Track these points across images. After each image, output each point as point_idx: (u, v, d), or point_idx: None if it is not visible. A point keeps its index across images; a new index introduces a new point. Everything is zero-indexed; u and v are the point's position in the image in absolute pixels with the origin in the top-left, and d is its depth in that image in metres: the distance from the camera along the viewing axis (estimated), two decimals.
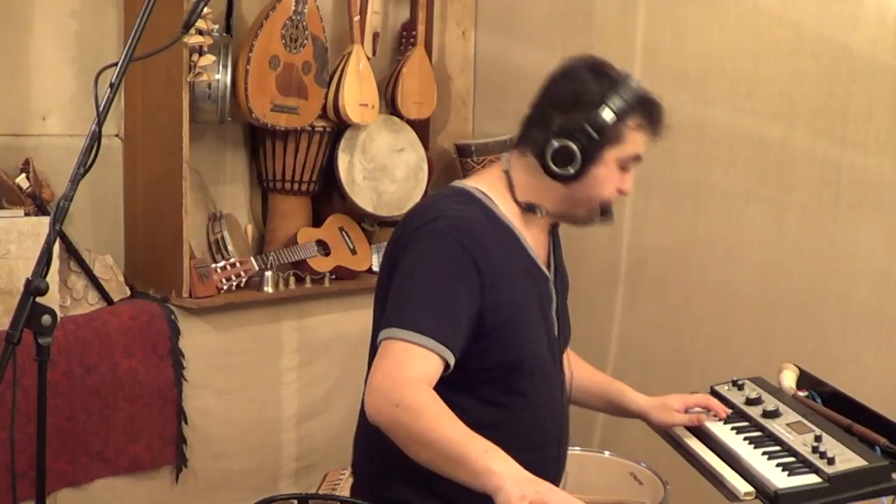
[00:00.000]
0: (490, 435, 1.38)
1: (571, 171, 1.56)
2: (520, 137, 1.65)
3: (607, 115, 1.54)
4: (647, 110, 1.59)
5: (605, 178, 1.60)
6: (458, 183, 1.68)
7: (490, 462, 1.28)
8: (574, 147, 1.55)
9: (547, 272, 1.67)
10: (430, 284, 1.48)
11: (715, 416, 1.79)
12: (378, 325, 1.56)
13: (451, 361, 1.46)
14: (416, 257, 1.51)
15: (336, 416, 3.14)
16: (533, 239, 1.65)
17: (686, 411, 1.81)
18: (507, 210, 1.62)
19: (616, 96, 1.55)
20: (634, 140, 1.60)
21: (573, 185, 1.59)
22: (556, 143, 1.56)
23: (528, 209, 1.63)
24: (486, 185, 1.64)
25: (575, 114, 1.56)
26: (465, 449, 1.31)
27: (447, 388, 1.49)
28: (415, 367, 1.42)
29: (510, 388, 1.59)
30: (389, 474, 1.62)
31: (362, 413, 1.64)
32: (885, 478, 1.50)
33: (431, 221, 1.53)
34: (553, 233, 1.75)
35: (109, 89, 1.60)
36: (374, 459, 1.67)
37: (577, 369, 1.87)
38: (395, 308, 1.49)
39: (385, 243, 3.36)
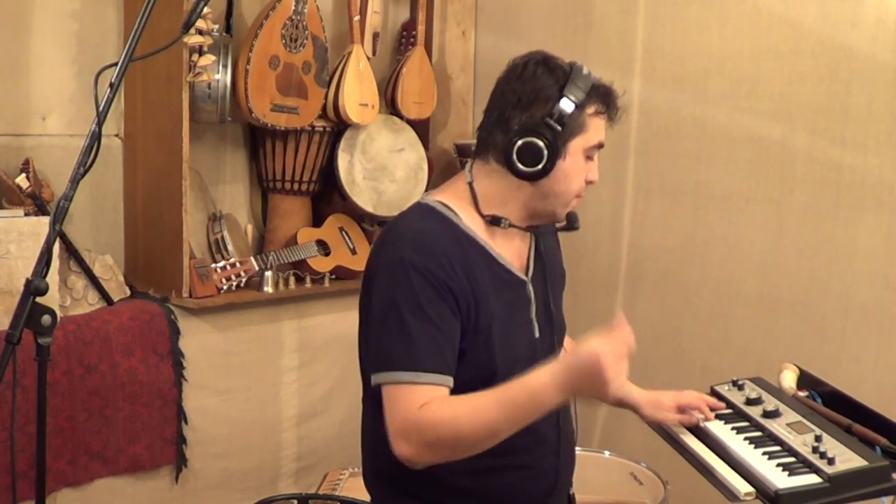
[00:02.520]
0: None
1: (540, 167, 1.55)
2: (479, 145, 1.64)
3: (567, 105, 1.54)
4: (602, 96, 1.59)
5: (573, 169, 1.59)
6: (422, 198, 1.66)
7: (546, 399, 1.38)
8: (540, 143, 1.54)
9: (523, 276, 1.66)
10: (413, 318, 1.47)
11: (704, 418, 1.78)
12: (368, 359, 1.56)
13: (452, 385, 1.49)
14: (392, 291, 1.50)
15: (336, 416, 3.14)
16: (503, 246, 1.64)
17: (678, 409, 1.80)
18: (472, 222, 1.61)
19: (573, 86, 1.55)
20: (596, 127, 1.59)
21: (541, 182, 1.58)
22: (520, 142, 1.55)
23: (492, 222, 1.61)
24: (450, 197, 1.63)
25: (535, 109, 1.55)
26: (517, 414, 1.40)
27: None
28: (420, 401, 1.45)
29: None
30: (392, 484, 1.62)
31: (365, 424, 1.66)
32: (886, 478, 1.49)
33: (397, 250, 1.51)
34: (539, 235, 1.74)
35: (109, 89, 1.61)
36: (375, 470, 1.67)
37: None
38: (390, 348, 1.49)
39: None
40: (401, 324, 1.47)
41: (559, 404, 1.39)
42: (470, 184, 1.63)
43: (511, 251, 1.65)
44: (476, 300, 1.53)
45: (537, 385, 1.38)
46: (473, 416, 1.41)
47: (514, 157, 1.55)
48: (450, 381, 1.48)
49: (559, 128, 1.53)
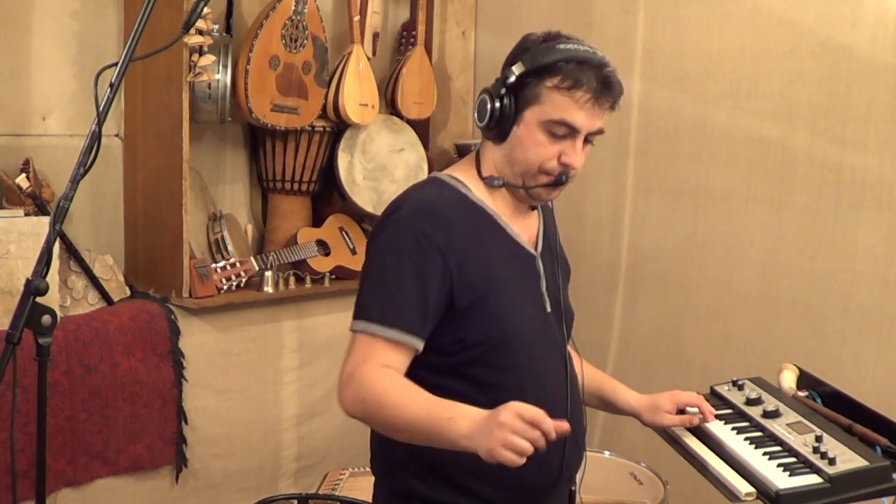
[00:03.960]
0: None
1: (483, 123, 1.60)
2: None
3: (515, 70, 1.56)
4: (569, 72, 1.53)
5: (528, 139, 1.57)
6: (435, 173, 1.71)
7: (457, 427, 1.35)
8: (487, 101, 1.59)
9: (532, 250, 1.68)
10: (392, 273, 1.52)
11: (703, 419, 1.78)
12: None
13: (419, 347, 1.52)
14: (378, 247, 1.56)
15: (336, 416, 3.14)
16: (513, 218, 1.66)
17: (678, 410, 1.80)
18: (480, 192, 1.64)
19: (526, 55, 1.56)
20: (554, 102, 1.54)
21: (503, 146, 1.61)
22: (479, 99, 1.62)
23: (487, 183, 1.64)
24: (461, 171, 1.68)
25: (502, 74, 1.60)
26: (431, 425, 1.39)
27: (438, 373, 1.54)
28: (377, 359, 1.49)
29: (499, 365, 1.59)
30: (400, 467, 1.63)
31: None
32: (886, 478, 1.49)
33: (396, 210, 1.57)
34: (544, 213, 1.76)
35: (109, 89, 1.60)
36: (384, 454, 1.68)
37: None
38: (359, 299, 1.55)
39: None
40: (380, 277, 1.53)
41: (460, 444, 1.36)
42: (477, 151, 1.69)
43: (521, 225, 1.68)
44: (476, 263, 1.55)
45: (457, 412, 1.38)
46: (399, 401, 1.43)
47: (476, 113, 1.63)
48: (411, 339, 1.50)
49: (503, 91, 1.56)
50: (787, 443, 1.61)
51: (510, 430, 1.30)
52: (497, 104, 1.57)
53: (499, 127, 1.59)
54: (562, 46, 1.55)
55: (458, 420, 1.36)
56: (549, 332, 1.67)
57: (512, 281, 1.61)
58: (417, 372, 1.53)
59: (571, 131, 1.56)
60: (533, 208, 1.72)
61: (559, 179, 1.59)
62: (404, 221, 1.53)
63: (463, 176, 1.65)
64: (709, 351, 2.85)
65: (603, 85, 1.54)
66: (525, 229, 1.69)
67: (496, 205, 1.65)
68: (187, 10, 1.73)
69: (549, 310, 1.67)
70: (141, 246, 2.85)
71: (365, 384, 1.47)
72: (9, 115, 2.58)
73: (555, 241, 1.78)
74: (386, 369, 1.49)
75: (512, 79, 1.55)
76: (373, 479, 1.76)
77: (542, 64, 1.54)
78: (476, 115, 1.63)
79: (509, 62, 1.60)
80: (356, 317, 1.54)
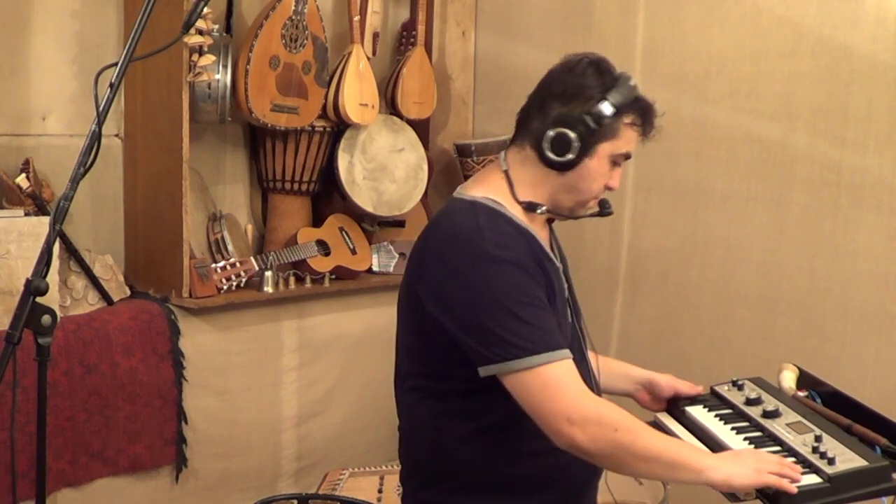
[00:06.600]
0: (526, 426, 1.50)
1: (566, 158, 1.60)
2: (517, 130, 1.69)
3: (607, 108, 1.59)
4: (641, 109, 1.64)
5: (597, 171, 1.64)
6: (467, 196, 1.67)
7: (704, 460, 1.49)
8: (572, 135, 1.59)
9: (557, 262, 1.72)
10: (526, 305, 1.51)
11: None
12: (478, 357, 1.54)
13: None
14: (490, 286, 1.52)
15: (336, 416, 3.14)
16: (539, 233, 1.70)
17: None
18: (516, 212, 1.66)
19: (616, 92, 1.60)
20: (627, 137, 1.64)
21: (567, 175, 1.63)
22: (554, 131, 1.61)
23: (528, 208, 1.66)
24: (493, 191, 1.66)
25: (575, 105, 1.61)
26: (681, 456, 1.50)
27: (467, 392, 1.57)
28: (580, 383, 1.51)
29: None
30: (445, 480, 1.65)
31: (406, 427, 1.71)
32: (886, 478, 1.49)
33: (476, 247, 1.54)
34: (550, 225, 1.81)
35: (109, 89, 1.60)
36: (429, 467, 1.69)
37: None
38: (509, 338, 1.49)
39: (385, 243, 3.38)
40: (513, 314, 1.50)
41: (703, 474, 1.47)
42: (506, 172, 1.68)
43: (543, 240, 1.71)
44: (545, 281, 1.59)
45: (697, 448, 1.58)
46: (652, 434, 1.51)
47: (546, 144, 1.61)
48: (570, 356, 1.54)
49: (595, 126, 1.59)
50: (786, 443, 1.61)
51: (770, 460, 1.47)
52: (581, 138, 1.59)
53: (574, 159, 1.61)
54: (631, 84, 1.63)
55: (702, 454, 1.52)
56: (577, 337, 1.73)
57: (556, 295, 1.65)
58: (470, 375, 1.54)
59: (624, 160, 1.68)
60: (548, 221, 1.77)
61: (605, 211, 1.72)
62: (498, 257, 1.52)
63: (498, 196, 1.65)
64: (709, 351, 2.85)
65: (652, 118, 1.67)
66: (547, 243, 1.73)
67: (527, 221, 1.67)
68: (187, 10, 1.72)
69: (570, 319, 1.73)
70: (141, 246, 2.85)
71: (610, 414, 1.49)
72: (9, 115, 2.59)
73: (562, 247, 1.84)
74: (611, 403, 1.53)
75: (606, 116, 1.59)
76: (373, 478, 1.76)
77: (628, 102, 1.61)
78: (549, 148, 1.61)
79: (582, 95, 1.60)
80: (513, 357, 1.48)
